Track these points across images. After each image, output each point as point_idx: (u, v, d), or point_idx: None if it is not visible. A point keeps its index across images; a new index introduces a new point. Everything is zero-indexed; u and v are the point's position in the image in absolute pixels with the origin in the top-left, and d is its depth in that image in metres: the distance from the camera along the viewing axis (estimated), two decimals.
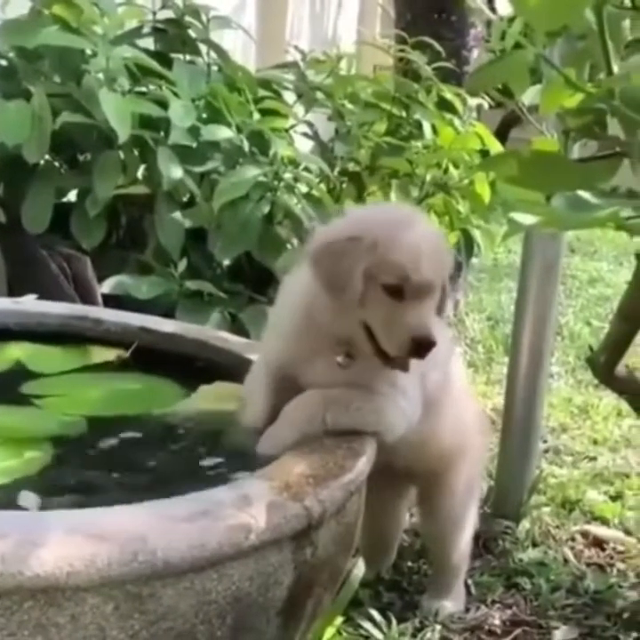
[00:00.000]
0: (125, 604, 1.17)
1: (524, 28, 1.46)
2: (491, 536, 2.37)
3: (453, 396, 1.85)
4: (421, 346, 1.51)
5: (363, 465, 1.50)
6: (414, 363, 1.56)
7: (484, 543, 2.34)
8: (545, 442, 3.03)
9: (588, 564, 2.33)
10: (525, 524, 2.44)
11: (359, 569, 1.71)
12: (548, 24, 1.13)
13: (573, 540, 2.44)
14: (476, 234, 3.61)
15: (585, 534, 2.46)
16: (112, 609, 1.17)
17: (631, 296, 1.57)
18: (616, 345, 1.66)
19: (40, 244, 2.57)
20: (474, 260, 4.96)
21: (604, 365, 1.68)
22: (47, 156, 2.70)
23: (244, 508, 1.28)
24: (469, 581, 2.17)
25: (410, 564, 2.24)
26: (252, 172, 2.59)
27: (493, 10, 1.27)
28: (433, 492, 1.98)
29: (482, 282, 5.42)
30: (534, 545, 2.38)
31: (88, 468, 1.51)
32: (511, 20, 1.42)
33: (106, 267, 2.58)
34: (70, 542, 1.14)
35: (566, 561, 2.33)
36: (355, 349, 1.57)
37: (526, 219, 1.05)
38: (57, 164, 2.76)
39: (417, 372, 1.62)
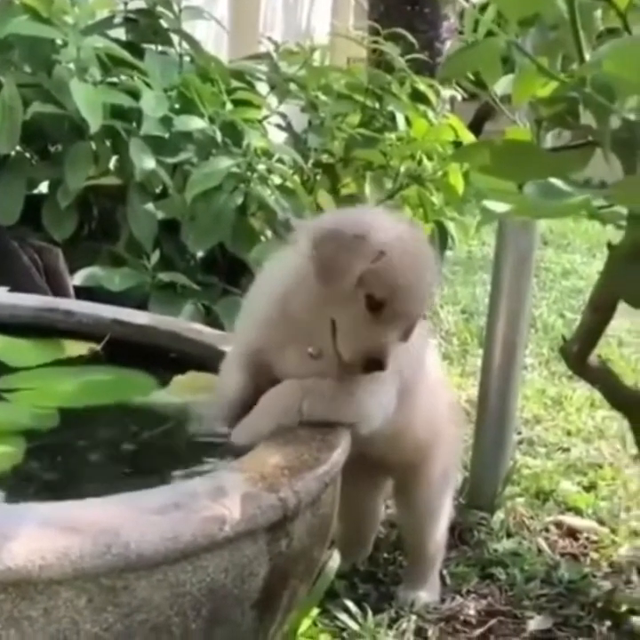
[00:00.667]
0: (99, 597, 1.16)
1: (496, 17, 1.46)
2: (466, 527, 2.37)
3: (428, 387, 1.85)
4: (370, 366, 1.52)
5: (337, 456, 1.49)
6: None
7: (459, 534, 2.34)
8: (519, 433, 3.04)
9: (562, 554, 2.34)
10: (500, 514, 2.45)
11: (335, 561, 1.71)
12: (520, 12, 1.13)
13: (547, 530, 2.45)
14: (451, 226, 3.61)
15: (559, 524, 2.47)
16: (85, 602, 1.15)
17: (602, 286, 1.58)
18: (588, 335, 1.67)
19: (11, 236, 2.54)
20: (448, 253, 4.97)
21: (576, 355, 1.69)
22: (18, 148, 2.67)
23: (219, 500, 1.27)
24: (445, 572, 2.17)
25: (386, 555, 2.23)
26: (224, 163, 2.58)
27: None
28: (408, 483, 1.98)
29: (456, 274, 5.43)
30: (509, 535, 2.38)
31: (61, 460, 1.49)
32: (483, 8, 1.42)
33: (78, 258, 2.56)
34: (42, 535, 1.13)
35: (540, 551, 2.33)
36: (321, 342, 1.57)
37: (499, 207, 1.05)
38: (28, 155, 2.73)
39: (394, 365, 1.61)
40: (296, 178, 3.00)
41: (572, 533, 2.45)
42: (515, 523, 2.44)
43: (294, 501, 1.34)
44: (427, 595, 2.06)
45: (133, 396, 1.75)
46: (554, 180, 1.06)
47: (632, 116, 1.12)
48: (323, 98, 3.47)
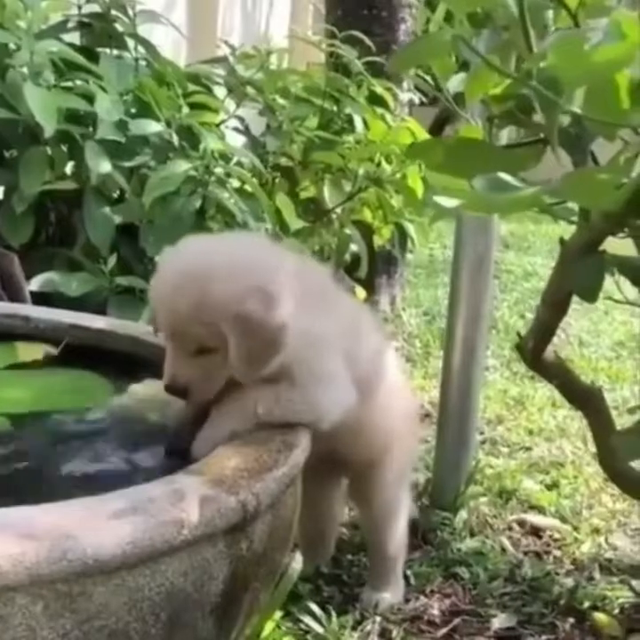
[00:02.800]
0: (55, 603, 1.14)
1: (447, 15, 1.46)
2: (429, 527, 2.38)
3: (387, 386, 1.86)
4: (174, 393, 1.55)
5: (297, 457, 1.48)
6: (335, 347, 1.61)
7: (422, 534, 2.35)
8: (481, 433, 3.06)
9: (525, 553, 2.35)
10: (463, 514, 2.45)
11: (297, 563, 1.69)
12: (466, 6, 1.13)
13: (510, 528, 2.46)
14: (410, 228, 3.62)
15: (521, 523, 2.48)
16: (42, 608, 1.13)
17: (555, 282, 1.58)
18: (543, 331, 1.68)
19: None
20: (410, 257, 5.00)
21: (532, 352, 1.69)
22: None
23: (176, 503, 1.25)
24: (408, 572, 2.17)
25: (349, 557, 2.23)
26: (182, 167, 2.56)
27: None
28: (365, 482, 1.99)
29: (418, 277, 5.46)
30: (472, 535, 2.39)
31: (12, 467, 1.47)
32: (433, 8, 1.42)
33: (35, 264, 2.53)
34: None
35: (504, 550, 2.34)
36: None
37: (449, 202, 1.04)
38: None
39: (341, 356, 1.62)
40: (255, 181, 2.99)
41: (535, 531, 2.46)
42: (478, 522, 2.45)
43: (254, 503, 1.33)
44: (391, 596, 2.06)
45: (89, 402, 1.72)
46: (503, 175, 1.06)
47: (578, 110, 1.12)
48: (280, 101, 3.46)
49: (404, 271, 4.90)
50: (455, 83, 1.55)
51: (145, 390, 1.79)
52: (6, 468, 1.47)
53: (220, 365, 1.52)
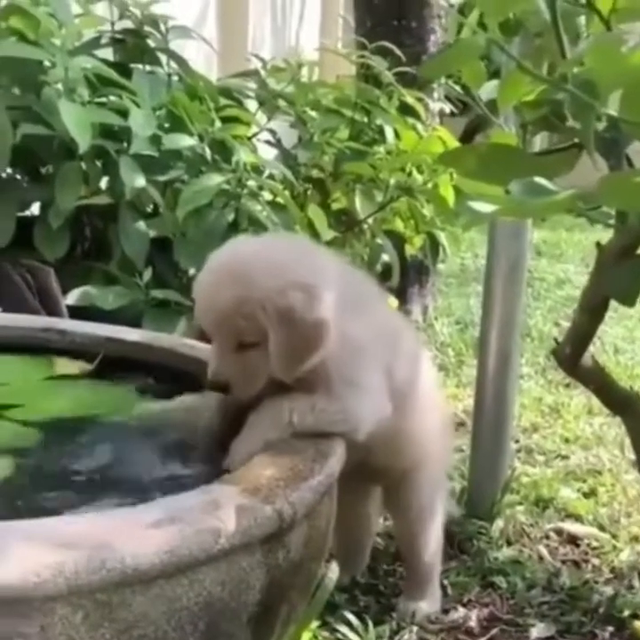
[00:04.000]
0: (95, 613, 1.15)
1: (479, 20, 1.47)
2: (465, 536, 2.37)
3: (422, 395, 1.86)
4: (215, 388, 1.58)
5: (333, 466, 1.48)
6: (373, 356, 1.60)
7: (458, 544, 2.34)
8: (517, 442, 3.04)
9: (563, 561, 2.34)
10: (499, 523, 2.44)
11: (334, 572, 1.69)
12: (500, 10, 1.13)
13: (548, 537, 2.44)
14: (442, 237, 3.62)
15: (559, 532, 2.47)
16: (81, 618, 1.14)
17: (592, 287, 1.58)
18: (580, 337, 1.67)
19: (3, 257, 2.54)
20: (441, 266, 5.00)
21: (569, 358, 1.69)
22: (9, 170, 2.67)
23: (213, 513, 1.26)
24: (445, 582, 2.17)
25: (385, 567, 2.23)
26: (215, 180, 2.58)
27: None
28: (400, 491, 1.99)
29: (450, 287, 5.45)
30: (509, 544, 2.38)
31: (49, 476, 1.48)
32: (463, 10, 1.42)
33: (71, 278, 2.56)
34: (36, 551, 1.12)
35: (541, 558, 2.33)
36: None
37: (483, 207, 1.05)
38: (19, 177, 2.73)
39: (379, 365, 1.62)
40: (287, 193, 3.01)
41: (573, 540, 2.45)
42: (514, 531, 2.44)
43: (290, 512, 1.34)
44: (427, 605, 2.05)
45: (122, 413, 1.74)
46: (538, 179, 1.06)
47: (614, 113, 1.12)
48: (311, 113, 3.48)
49: (435, 280, 4.91)
50: (488, 90, 1.55)
51: (187, 400, 1.79)
52: (42, 477, 1.48)
53: (260, 361, 1.53)
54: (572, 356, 1.68)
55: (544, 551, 2.36)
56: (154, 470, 1.54)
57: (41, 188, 2.64)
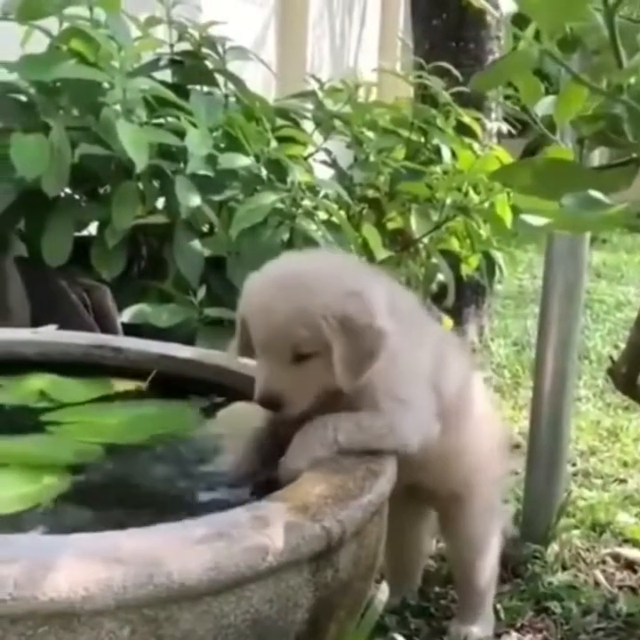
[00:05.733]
0: (142, 628, 1.15)
1: (535, 34, 1.45)
2: (519, 560, 2.33)
3: (475, 417, 1.83)
4: (265, 405, 1.55)
5: (383, 485, 1.47)
6: (420, 374, 1.58)
7: (512, 567, 2.30)
8: (574, 465, 3.00)
9: (620, 587, 2.29)
10: (554, 547, 2.40)
11: (383, 593, 1.68)
12: (553, 21, 1.11)
13: (604, 562, 2.40)
14: (499, 257, 3.59)
15: (616, 557, 2.42)
16: (129, 633, 1.14)
17: None
18: (636, 355, 1.64)
19: (61, 276, 2.57)
20: (499, 287, 4.96)
21: (625, 376, 1.66)
22: (67, 189, 2.71)
23: (261, 530, 1.25)
24: (498, 606, 2.13)
25: (437, 589, 2.20)
26: (269, 199, 2.59)
27: (496, 7, 1.26)
28: (453, 514, 1.95)
29: (507, 308, 5.41)
30: (564, 568, 2.34)
31: (105, 492, 1.50)
32: (517, 24, 1.40)
33: (127, 296, 2.58)
34: (85, 566, 1.12)
35: (597, 584, 2.28)
36: None
37: (537, 221, 1.03)
38: (77, 196, 2.77)
39: (427, 383, 1.61)
40: (342, 213, 3.02)
41: (630, 566, 2.40)
42: (570, 555, 2.39)
43: (338, 531, 1.33)
44: (479, 629, 2.02)
45: (177, 430, 1.75)
46: (593, 193, 1.04)
47: None
48: (368, 134, 3.49)
49: (492, 301, 4.87)
50: (544, 106, 1.54)
51: (233, 414, 1.80)
52: (97, 494, 1.50)
53: (315, 374, 1.52)
54: (628, 375, 1.65)
55: (600, 576, 2.31)
56: (204, 487, 1.55)
57: (99, 207, 2.68)
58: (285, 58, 6.86)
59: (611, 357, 1.70)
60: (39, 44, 2.79)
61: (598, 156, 1.88)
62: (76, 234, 2.68)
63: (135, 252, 2.76)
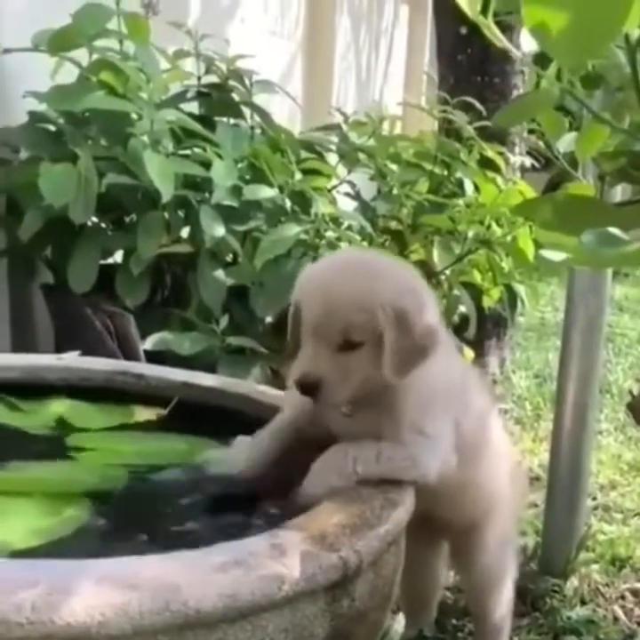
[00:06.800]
0: None
1: (557, 72, 1.47)
2: (538, 594, 2.32)
3: (491, 448, 1.83)
4: (303, 389, 1.51)
5: (401, 515, 1.48)
6: (443, 406, 1.58)
7: (531, 601, 2.29)
8: (594, 499, 2.98)
9: (639, 623, 2.27)
10: (574, 581, 2.39)
11: (399, 624, 1.68)
12: (573, 59, 1.12)
13: (623, 597, 2.38)
14: (521, 290, 3.60)
15: (635, 592, 2.41)
16: None
17: None
18: None
19: (86, 302, 2.60)
20: (521, 319, 4.96)
21: None
22: (94, 218, 2.75)
23: (278, 558, 1.26)
24: (516, 639, 2.12)
25: (454, 621, 2.20)
26: (293, 230, 2.61)
27: (517, 47, 1.28)
28: (466, 546, 1.95)
29: (529, 340, 5.41)
30: (583, 603, 2.33)
31: (125, 521, 1.51)
32: (538, 59, 1.42)
33: (151, 324, 2.61)
34: (102, 591, 1.13)
35: (616, 619, 2.27)
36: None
37: (556, 256, 1.05)
38: (103, 225, 2.81)
39: (448, 415, 1.61)
40: (365, 244, 3.03)
41: None
42: (589, 590, 2.38)
43: (355, 561, 1.33)
44: None
45: (194, 459, 1.76)
46: (613, 230, 1.05)
47: None
48: (392, 166, 3.51)
49: (514, 333, 4.87)
50: (566, 142, 1.56)
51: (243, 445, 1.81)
52: (116, 520, 1.51)
53: (360, 365, 1.51)
54: None
55: (619, 612, 2.30)
56: (220, 516, 1.56)
57: (124, 236, 2.71)
58: (311, 91, 6.91)
59: (630, 392, 1.70)
60: (69, 76, 2.84)
61: (620, 193, 1.89)
62: (102, 262, 2.71)
63: (159, 281, 2.79)
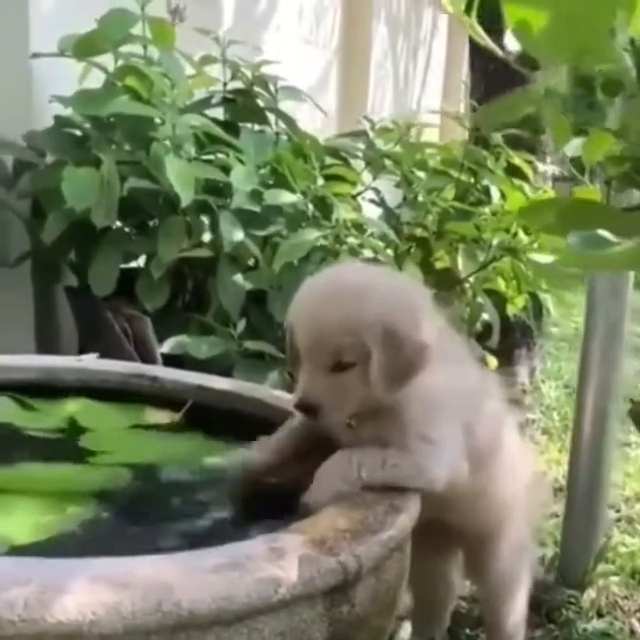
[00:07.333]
0: None
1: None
2: (554, 605, 2.29)
3: (506, 457, 1.81)
4: (302, 411, 1.54)
5: (404, 522, 1.46)
6: (451, 413, 1.56)
7: (546, 612, 2.26)
8: (618, 511, 2.94)
9: None
10: (591, 593, 2.36)
11: (405, 632, 1.67)
12: (552, 53, 1.10)
13: None
14: (548, 299, 3.57)
15: None
16: None
17: None
18: None
19: (107, 306, 2.62)
20: (554, 329, 4.92)
21: None
22: (118, 223, 2.76)
23: (276, 561, 1.25)
24: None
25: (468, 631, 2.17)
26: (312, 235, 2.61)
27: (502, 47, 1.26)
28: (479, 555, 1.93)
29: (561, 350, 5.37)
30: (600, 615, 2.29)
31: (128, 520, 1.51)
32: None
33: (171, 328, 2.61)
34: (94, 589, 1.13)
35: (633, 632, 2.23)
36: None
37: (546, 259, 1.03)
38: (126, 229, 2.82)
39: (458, 422, 1.60)
40: (389, 252, 3.03)
41: None
42: (607, 602, 2.35)
43: (355, 566, 1.32)
44: None
45: (205, 460, 1.76)
46: (602, 232, 1.03)
47: None
48: (419, 173, 3.50)
49: (544, 343, 4.83)
50: (574, 146, 1.54)
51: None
52: (120, 522, 1.51)
53: (354, 384, 1.52)
54: None
55: (637, 625, 2.26)
56: (223, 518, 1.56)
57: (147, 240, 2.72)
58: (347, 99, 6.91)
59: (631, 400, 1.68)
60: (97, 81, 2.86)
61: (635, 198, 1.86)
62: (126, 266, 2.73)
63: (181, 285, 2.80)
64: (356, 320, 1.49)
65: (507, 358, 4.39)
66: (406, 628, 1.68)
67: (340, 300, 1.52)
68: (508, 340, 4.35)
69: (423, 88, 8.55)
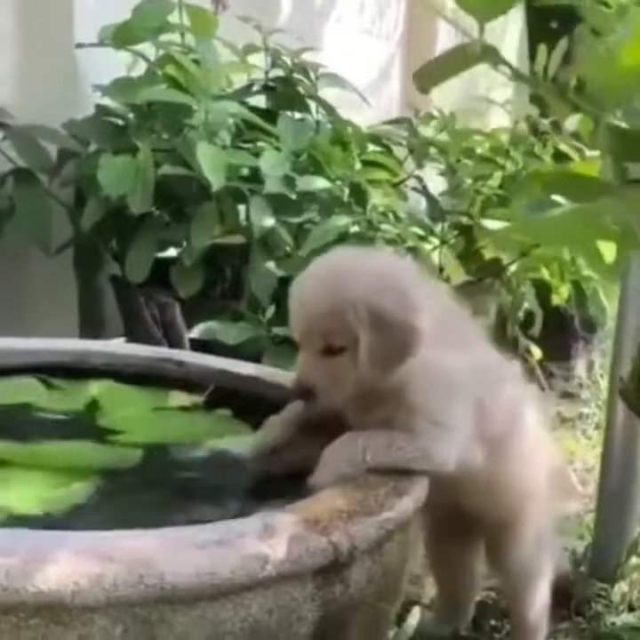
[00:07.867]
0: (134, 628, 1.16)
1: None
2: (583, 598, 2.24)
3: (526, 443, 1.78)
4: (297, 394, 1.56)
5: (406, 504, 1.45)
6: (461, 397, 1.54)
7: (575, 605, 2.22)
8: None
9: None
10: (622, 586, 2.30)
11: (414, 617, 1.65)
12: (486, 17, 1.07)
13: None
14: (599, 290, 3.50)
15: None
16: (121, 632, 1.16)
17: None
18: None
19: (141, 293, 2.64)
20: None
21: (634, 393, 1.58)
22: (155, 211, 2.78)
23: (265, 539, 1.25)
24: None
25: (493, 622, 2.14)
26: (342, 221, 2.60)
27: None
28: (500, 544, 1.89)
29: None
30: (631, 609, 2.24)
31: (131, 497, 1.53)
32: None
33: (205, 315, 2.62)
34: (78, 561, 1.14)
35: None
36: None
37: (496, 225, 1.01)
38: (162, 216, 2.84)
39: (469, 405, 1.58)
40: (433, 239, 3.01)
41: None
42: (638, 596, 2.29)
43: (347, 546, 1.31)
44: None
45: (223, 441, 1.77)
46: (557, 197, 1.01)
47: None
48: (465, 161, 3.47)
49: (604, 337, 4.74)
50: (573, 122, 1.51)
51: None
52: (125, 495, 1.53)
53: (347, 368, 1.52)
54: (637, 392, 1.57)
55: None
56: (226, 498, 1.56)
57: (182, 227, 2.73)
58: (411, 90, 6.85)
59: (620, 378, 1.63)
60: (142, 70, 2.89)
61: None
62: (163, 255, 2.75)
63: (218, 272, 2.81)
64: (342, 304, 1.49)
65: (564, 352, 4.33)
66: (415, 614, 1.65)
67: (326, 284, 1.53)
68: (564, 334, 4.28)
69: (490, 78, 8.43)
